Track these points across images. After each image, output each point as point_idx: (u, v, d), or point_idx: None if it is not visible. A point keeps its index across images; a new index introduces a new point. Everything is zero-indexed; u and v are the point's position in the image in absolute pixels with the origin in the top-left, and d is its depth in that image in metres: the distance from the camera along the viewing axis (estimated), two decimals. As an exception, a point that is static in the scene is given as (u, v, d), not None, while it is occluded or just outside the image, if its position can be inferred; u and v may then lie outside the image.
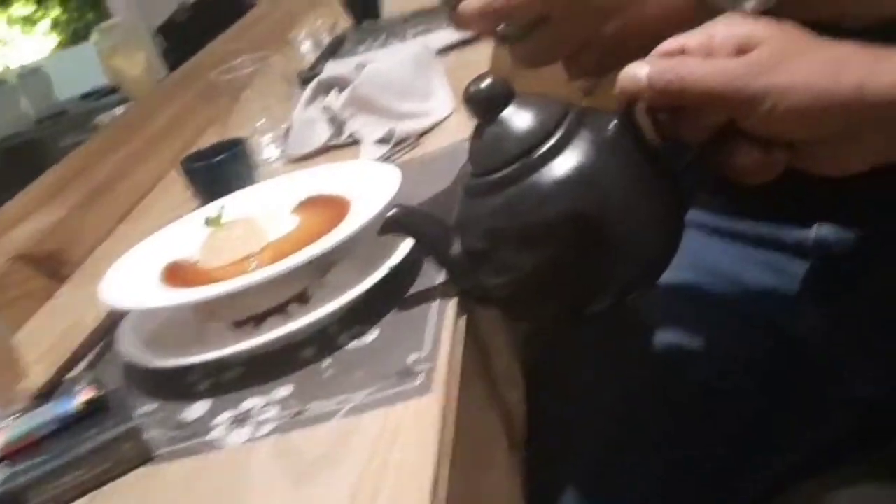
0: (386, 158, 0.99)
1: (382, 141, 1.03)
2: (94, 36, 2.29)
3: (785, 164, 0.52)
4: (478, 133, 0.57)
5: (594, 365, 0.83)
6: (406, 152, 1.00)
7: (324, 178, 0.79)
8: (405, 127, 1.03)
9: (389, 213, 0.60)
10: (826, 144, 0.51)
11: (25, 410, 0.68)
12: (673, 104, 0.51)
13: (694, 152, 0.53)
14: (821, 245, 0.76)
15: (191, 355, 0.62)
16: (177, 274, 0.69)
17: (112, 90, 2.54)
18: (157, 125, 1.30)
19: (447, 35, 1.39)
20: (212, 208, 0.77)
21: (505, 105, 0.55)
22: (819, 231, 0.76)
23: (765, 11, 0.58)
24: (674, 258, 0.56)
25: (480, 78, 0.57)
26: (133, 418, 0.59)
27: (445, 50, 1.30)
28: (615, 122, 0.54)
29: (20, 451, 0.58)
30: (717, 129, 0.52)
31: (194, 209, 1.02)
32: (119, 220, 1.10)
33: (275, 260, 0.65)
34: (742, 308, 0.81)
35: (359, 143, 1.05)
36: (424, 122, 1.04)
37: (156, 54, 2.53)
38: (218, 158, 0.99)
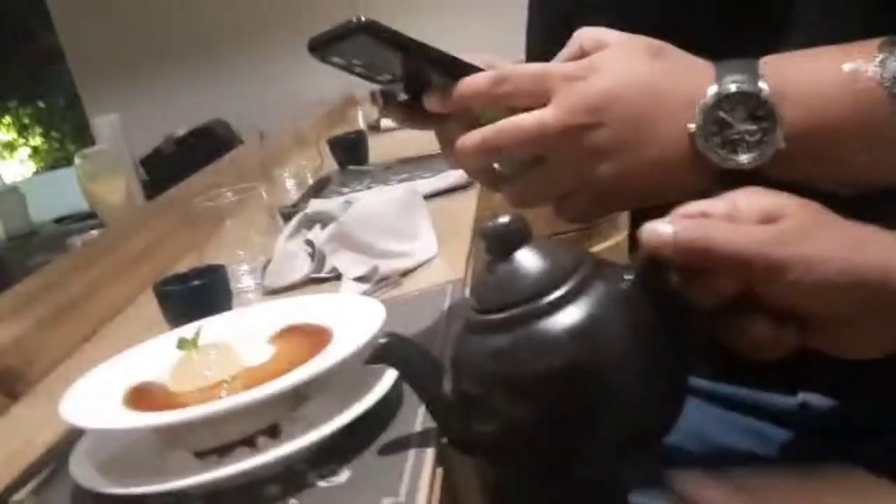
0: (366, 296, 0.97)
1: (363, 278, 1.01)
2: (77, 160, 2.30)
3: (797, 341, 0.50)
4: (488, 269, 0.55)
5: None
6: (387, 291, 0.98)
7: (305, 308, 0.76)
8: (388, 266, 1.01)
9: (380, 341, 0.57)
10: (843, 324, 0.50)
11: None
12: (694, 265, 0.49)
13: (704, 320, 0.51)
14: (804, 414, 0.74)
15: (148, 484, 0.58)
16: (143, 396, 0.65)
17: (88, 215, 2.55)
18: (131, 248, 1.28)
19: (433, 182, 1.41)
20: (187, 330, 0.73)
21: (520, 245, 0.54)
22: (803, 399, 0.74)
23: (759, 171, 0.58)
24: (672, 427, 0.53)
25: (499, 214, 0.55)
26: None
27: (431, 196, 1.30)
28: (631, 278, 0.52)
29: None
30: (730, 298, 0.50)
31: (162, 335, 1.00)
32: (83, 340, 1.06)
33: (247, 388, 0.62)
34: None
35: (339, 279, 1.04)
36: (407, 263, 1.03)
37: (136, 183, 2.54)
38: (195, 283, 0.96)
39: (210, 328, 0.73)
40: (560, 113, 0.59)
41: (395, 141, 2.16)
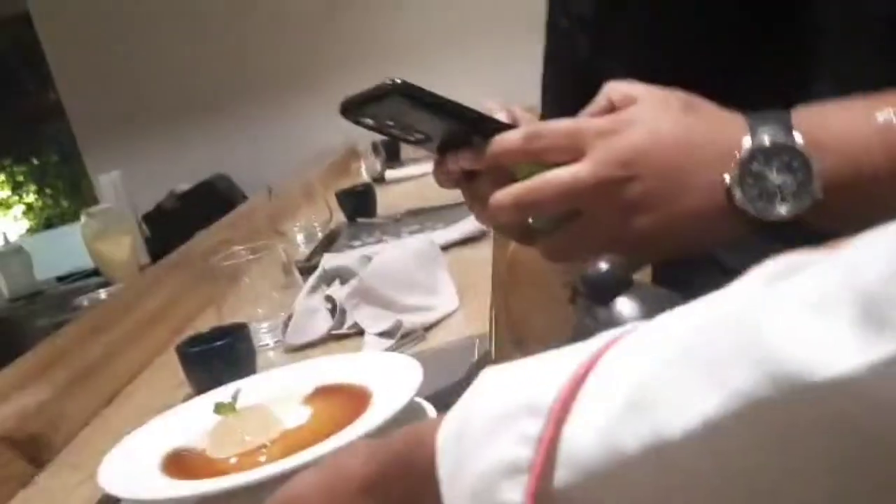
0: (391, 351, 0.96)
1: (386, 333, 1.01)
2: (83, 218, 2.30)
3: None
4: (586, 314, 0.55)
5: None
6: (412, 346, 0.97)
7: (336, 368, 0.76)
8: (410, 320, 1.01)
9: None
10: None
11: None
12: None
13: None
14: None
15: None
16: (182, 463, 0.64)
17: (92, 273, 2.54)
18: (146, 309, 1.27)
19: (447, 233, 1.41)
20: (220, 394, 0.72)
21: (620, 291, 0.54)
22: None
23: (799, 221, 0.58)
24: None
25: (599, 259, 0.55)
26: None
27: (446, 247, 1.30)
28: None
29: None
30: None
31: (183, 397, 0.99)
32: (104, 404, 1.05)
33: (288, 452, 0.61)
34: None
35: (361, 335, 1.03)
36: (430, 317, 1.03)
37: (139, 240, 2.54)
38: (218, 343, 0.96)
39: (242, 390, 0.72)
40: (594, 167, 0.59)
41: (401, 192, 2.17)
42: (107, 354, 1.11)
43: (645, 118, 0.60)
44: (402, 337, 0.99)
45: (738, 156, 0.58)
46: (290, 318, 1.09)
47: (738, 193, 0.58)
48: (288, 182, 1.86)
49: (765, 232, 0.58)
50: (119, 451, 0.67)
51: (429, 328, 1.01)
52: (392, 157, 2.63)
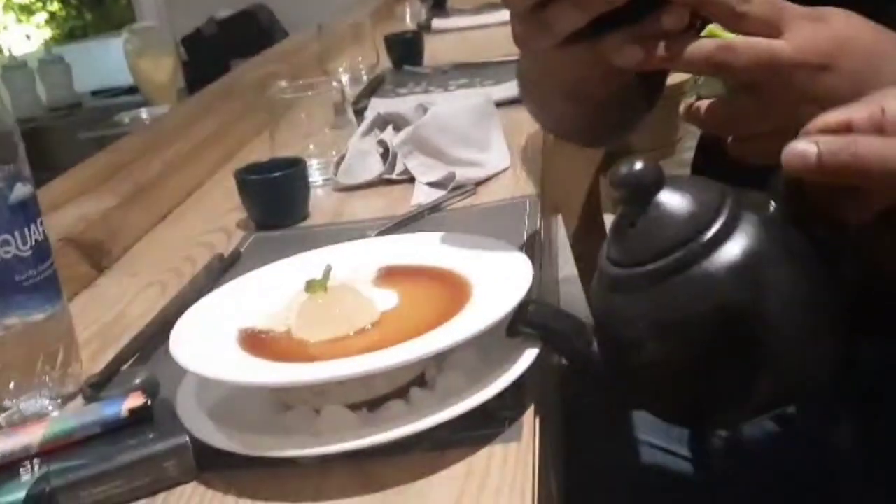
0: (442, 202, 0.99)
1: (438, 184, 1.03)
2: (125, 34, 2.29)
3: None
4: (626, 219, 0.53)
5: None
6: (462, 199, 1.00)
7: (427, 248, 0.70)
8: (462, 174, 1.03)
9: (519, 313, 0.55)
10: None
11: (75, 398, 0.67)
12: (843, 184, 0.48)
13: (849, 236, 0.51)
14: (875, 354, 0.76)
15: (301, 446, 0.54)
16: (263, 343, 0.59)
17: (129, 90, 2.54)
18: (200, 131, 1.29)
19: (495, 91, 1.41)
20: (302, 264, 0.66)
21: (658, 189, 0.52)
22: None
23: None
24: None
25: (629, 161, 0.52)
26: (180, 433, 0.56)
27: (498, 104, 1.30)
28: (778, 206, 0.51)
29: (56, 450, 0.56)
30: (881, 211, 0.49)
31: (237, 222, 1.02)
32: (158, 220, 1.09)
33: (389, 339, 0.57)
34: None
35: (412, 182, 1.05)
36: (481, 172, 1.05)
37: (178, 63, 2.53)
38: (276, 174, 0.98)
39: (315, 262, 0.67)
40: (795, 46, 0.57)
41: (448, 43, 2.15)
42: (163, 171, 1.14)
43: (845, 16, 0.58)
44: (454, 189, 1.01)
45: None
46: (342, 157, 1.11)
47: None
48: (336, 21, 1.84)
49: None
50: (191, 320, 0.63)
51: (480, 184, 1.03)
52: (439, 4, 2.59)
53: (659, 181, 0.52)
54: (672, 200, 0.52)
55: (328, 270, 0.62)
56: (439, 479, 0.52)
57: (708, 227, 0.50)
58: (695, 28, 0.59)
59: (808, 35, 0.57)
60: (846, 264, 0.52)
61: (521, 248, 0.82)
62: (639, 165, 0.52)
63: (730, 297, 0.49)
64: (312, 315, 0.60)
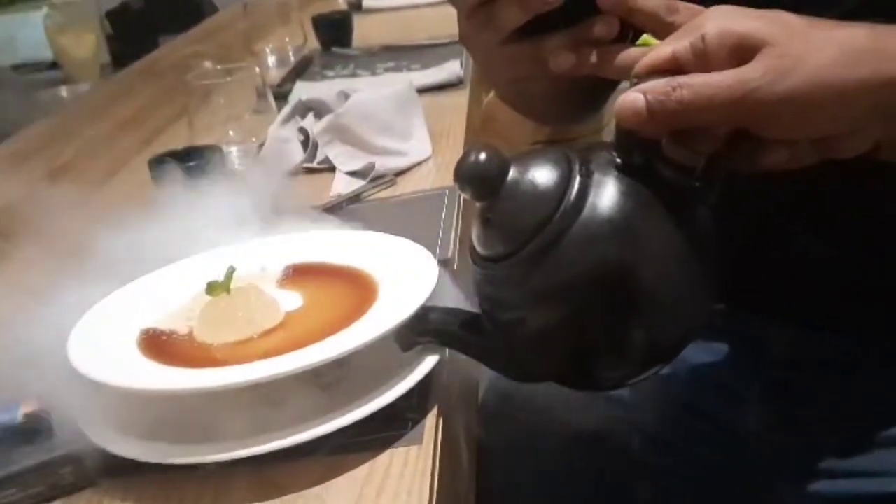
0: (361, 192, 0.98)
1: (358, 173, 1.02)
2: (45, 9, 2.21)
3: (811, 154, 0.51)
4: (485, 215, 0.53)
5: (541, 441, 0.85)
6: (382, 189, 0.99)
7: (335, 246, 0.69)
8: (383, 163, 1.02)
9: (410, 326, 0.55)
10: (845, 135, 0.51)
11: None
12: (680, 128, 0.49)
13: (705, 165, 0.51)
14: (783, 344, 0.78)
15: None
16: (163, 346, 0.58)
17: (49, 66, 2.46)
18: (118, 114, 1.27)
19: (422, 75, 1.40)
20: (209, 266, 0.64)
21: (504, 177, 0.51)
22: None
23: None
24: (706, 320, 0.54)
25: (469, 154, 0.51)
26: (78, 439, 0.54)
27: (422, 91, 1.30)
28: (623, 159, 0.51)
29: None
30: (728, 135, 0.50)
31: (151, 208, 1.00)
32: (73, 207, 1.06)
33: (299, 341, 0.56)
34: (687, 394, 0.83)
35: (332, 171, 1.05)
36: (402, 162, 1.04)
37: (102, 38, 2.47)
38: (192, 163, 0.96)
39: (217, 263, 0.65)
40: None
41: (377, 22, 2.12)
42: (76, 158, 1.11)
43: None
44: (374, 179, 1.01)
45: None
46: (261, 145, 1.10)
47: None
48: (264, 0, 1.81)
49: None
50: (87, 323, 0.61)
51: (400, 173, 1.03)
52: (370, -18, 2.56)
53: (503, 168, 0.51)
54: (521, 183, 0.51)
55: (230, 272, 0.61)
56: (339, 483, 0.52)
57: (562, 199, 0.50)
58: (628, 37, 0.61)
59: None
60: (701, 206, 0.53)
61: (435, 242, 0.83)
62: (481, 156, 0.51)
63: (597, 259, 0.50)
64: (214, 317, 0.60)
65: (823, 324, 0.74)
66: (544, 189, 0.51)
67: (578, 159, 0.52)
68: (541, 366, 0.54)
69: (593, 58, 0.60)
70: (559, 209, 0.50)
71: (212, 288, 0.60)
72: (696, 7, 0.58)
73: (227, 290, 0.60)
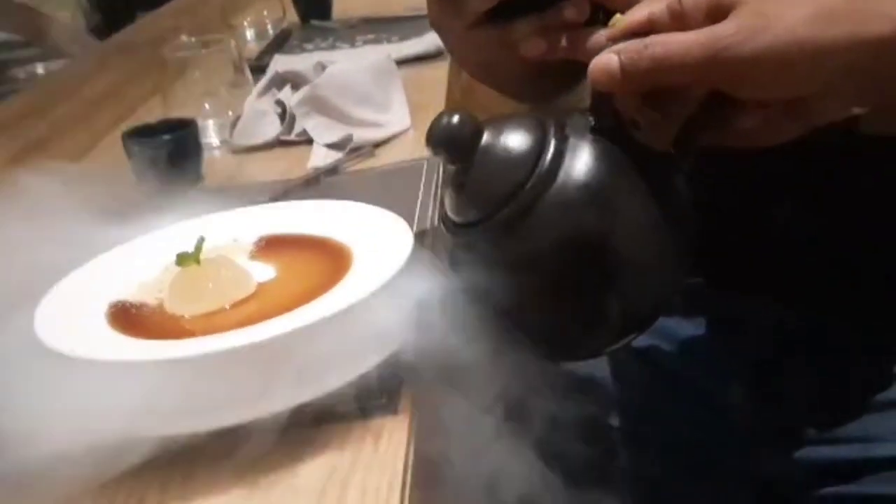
0: (339, 164, 0.97)
1: (335, 146, 1.01)
2: (21, -16, 2.18)
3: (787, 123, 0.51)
4: (458, 179, 0.52)
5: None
6: (360, 161, 0.98)
7: (309, 216, 0.68)
8: (361, 135, 1.01)
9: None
10: (819, 97, 0.50)
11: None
12: (654, 88, 0.48)
13: (680, 131, 0.51)
14: (762, 318, 0.78)
15: None
16: (132, 319, 0.57)
17: (25, 44, 2.43)
18: (92, 90, 1.25)
19: (401, 47, 1.39)
20: (181, 238, 0.62)
21: (478, 140, 0.50)
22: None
23: None
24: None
25: (442, 117, 0.51)
26: None
27: (400, 63, 1.28)
28: (598, 123, 0.51)
29: None
30: (702, 99, 0.50)
31: (129, 184, 0.98)
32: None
33: (268, 313, 0.55)
34: (656, 355, 0.83)
35: (309, 143, 1.03)
36: (380, 133, 1.03)
37: (79, 11, 2.43)
38: (166, 136, 0.95)
39: (189, 234, 0.63)
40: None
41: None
42: (50, 134, 1.09)
43: None
44: (351, 151, 1.00)
45: None
46: (238, 118, 1.08)
47: None
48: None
49: None
50: (56, 299, 0.59)
51: (378, 145, 1.02)
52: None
53: (476, 132, 0.51)
54: (495, 147, 0.50)
55: (200, 242, 0.60)
56: (312, 455, 0.51)
57: (536, 164, 0.50)
58: (599, 19, 0.59)
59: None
60: (676, 173, 0.52)
61: (413, 213, 0.82)
62: (453, 119, 0.51)
63: (572, 226, 0.49)
64: (184, 289, 0.58)
65: (804, 300, 0.74)
66: (518, 154, 0.50)
67: (553, 124, 0.51)
68: (513, 334, 0.53)
69: (564, 42, 0.59)
70: (533, 174, 0.50)
71: (181, 259, 0.59)
72: None
73: (198, 261, 0.59)
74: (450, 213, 0.53)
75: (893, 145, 0.61)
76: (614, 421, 0.84)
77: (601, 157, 0.50)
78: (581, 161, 0.50)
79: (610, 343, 0.53)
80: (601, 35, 0.58)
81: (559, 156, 0.50)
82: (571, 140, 0.51)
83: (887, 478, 0.72)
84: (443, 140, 0.50)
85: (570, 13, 0.58)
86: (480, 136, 0.51)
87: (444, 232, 0.54)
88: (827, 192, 0.71)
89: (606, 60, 0.49)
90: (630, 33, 0.50)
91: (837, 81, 0.49)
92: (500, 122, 0.52)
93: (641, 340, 0.82)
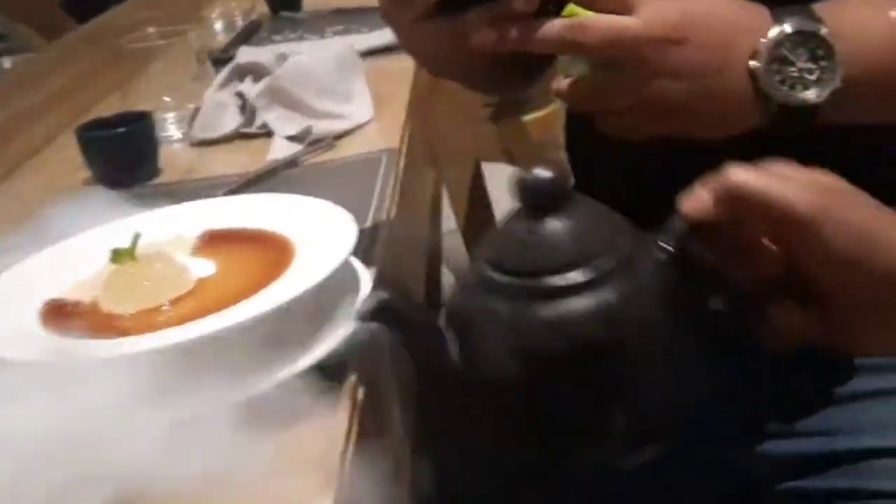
0: (298, 157, 0.95)
1: (296, 138, 0.99)
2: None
3: (820, 334, 0.50)
4: (519, 225, 0.50)
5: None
6: (320, 153, 0.96)
7: (253, 211, 0.66)
8: (321, 126, 0.99)
9: (379, 297, 0.48)
10: (864, 311, 0.49)
11: None
12: (740, 213, 0.48)
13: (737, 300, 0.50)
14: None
15: None
16: (67, 316, 0.55)
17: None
18: (54, 83, 1.22)
19: (368, 38, 1.37)
20: (122, 234, 0.60)
21: (558, 206, 0.49)
22: None
23: (817, 111, 0.58)
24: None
25: (538, 168, 0.49)
26: None
27: (367, 54, 1.27)
28: (669, 251, 0.50)
29: None
30: (767, 278, 0.49)
31: (82, 181, 0.97)
32: (2, 178, 1.03)
33: (207, 309, 0.54)
34: None
35: (269, 136, 1.02)
36: (341, 125, 1.01)
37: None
38: (120, 130, 0.93)
39: (128, 231, 0.61)
40: (644, 22, 0.57)
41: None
42: (8, 127, 1.07)
43: None
44: (311, 143, 0.98)
45: (764, 42, 0.58)
46: (197, 110, 1.06)
47: (764, 77, 0.58)
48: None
49: (784, 121, 0.59)
50: None
51: (339, 137, 1.00)
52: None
53: (564, 196, 0.49)
54: (567, 223, 0.49)
55: (135, 238, 0.58)
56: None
57: (593, 260, 0.48)
58: (549, 10, 0.58)
59: (657, 10, 0.57)
60: (729, 328, 0.52)
61: (369, 206, 0.81)
62: (547, 175, 0.49)
63: (597, 335, 0.47)
64: (120, 286, 0.57)
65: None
66: (583, 242, 0.48)
67: (629, 234, 0.50)
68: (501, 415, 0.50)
69: (514, 33, 0.58)
70: (582, 268, 0.48)
71: (117, 255, 0.58)
72: None
73: (133, 258, 0.58)
74: (489, 251, 0.51)
75: (853, 134, 0.61)
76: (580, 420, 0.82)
77: (655, 287, 0.49)
78: (635, 282, 0.48)
79: (608, 458, 0.51)
80: (552, 25, 0.57)
81: (620, 264, 0.48)
82: (637, 257, 0.49)
83: (850, 471, 0.71)
84: (530, 186, 0.49)
85: (519, 3, 0.58)
86: (562, 204, 0.49)
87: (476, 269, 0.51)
88: None
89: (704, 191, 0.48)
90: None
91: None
92: (587, 203, 0.51)
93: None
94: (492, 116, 1.86)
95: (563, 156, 0.89)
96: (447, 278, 1.69)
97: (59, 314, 0.56)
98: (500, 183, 1.79)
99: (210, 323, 0.52)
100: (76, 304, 0.57)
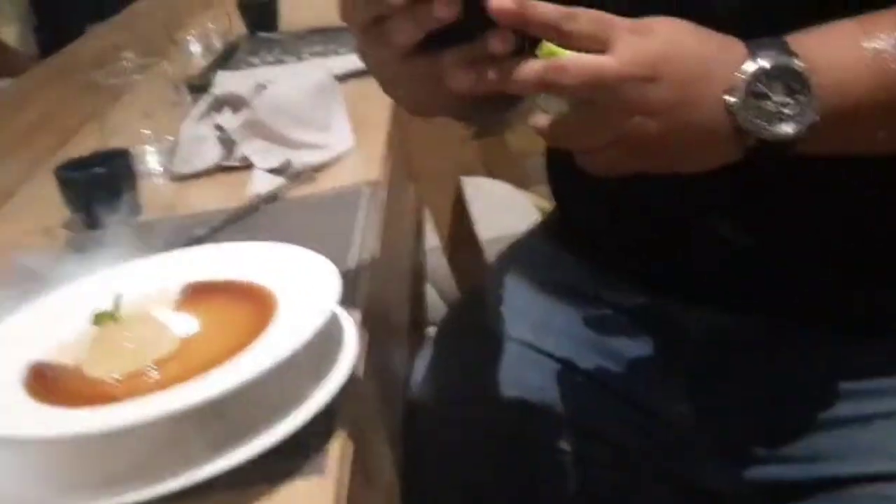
0: (278, 191, 0.95)
1: (276, 171, 0.99)
2: (-39, 2, 2.13)
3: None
4: None
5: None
6: (300, 186, 0.96)
7: (234, 261, 0.66)
8: (301, 159, 0.99)
9: None
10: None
11: None
12: None
13: None
14: (706, 329, 0.77)
15: None
16: (49, 382, 0.55)
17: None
18: (26, 118, 1.21)
19: (346, 61, 1.36)
20: (98, 295, 0.60)
21: None
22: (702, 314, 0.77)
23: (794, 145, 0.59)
24: None
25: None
26: None
27: (344, 77, 1.26)
28: None
29: None
30: None
31: (63, 221, 0.96)
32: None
33: (192, 371, 0.53)
34: (604, 376, 0.82)
35: (250, 168, 1.01)
36: (321, 156, 1.01)
37: (29, 28, 2.38)
38: (97, 170, 0.92)
39: (117, 283, 0.61)
40: (620, 61, 0.57)
41: (304, 4, 2.06)
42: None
43: (667, 27, 0.60)
44: (292, 176, 0.97)
45: (740, 77, 0.58)
46: (176, 143, 1.05)
47: (741, 113, 0.58)
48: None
49: (760, 155, 0.59)
50: None
51: (320, 169, 1.00)
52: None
53: None
54: None
55: (117, 300, 0.58)
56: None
57: None
58: (526, 49, 0.58)
59: (632, 48, 0.58)
60: None
61: (351, 242, 0.80)
62: None
63: None
64: (102, 349, 0.56)
65: (743, 309, 0.75)
66: None
67: None
68: None
69: (492, 74, 0.58)
70: None
71: (98, 318, 0.57)
72: (597, 13, 0.57)
73: (114, 319, 0.57)
74: None
75: (826, 164, 0.62)
76: (564, 445, 0.82)
77: None
78: None
79: None
80: (531, 67, 0.57)
81: None
82: None
83: (834, 497, 0.72)
84: None
85: (493, 44, 0.57)
86: None
87: None
88: (762, 206, 0.72)
89: None
90: None
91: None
92: None
93: (588, 360, 0.82)
94: (474, 136, 1.86)
95: (542, 163, 0.89)
96: (431, 296, 1.69)
97: (42, 380, 0.55)
98: (482, 199, 1.79)
99: (195, 391, 0.51)
100: (59, 368, 0.57)
